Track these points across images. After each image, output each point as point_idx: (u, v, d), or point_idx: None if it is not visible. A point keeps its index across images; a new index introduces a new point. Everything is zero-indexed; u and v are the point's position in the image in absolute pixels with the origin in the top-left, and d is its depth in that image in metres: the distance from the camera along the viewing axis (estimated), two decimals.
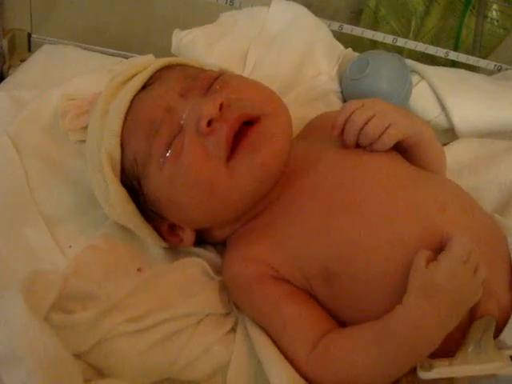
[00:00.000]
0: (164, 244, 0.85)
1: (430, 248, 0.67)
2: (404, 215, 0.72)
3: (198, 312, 0.76)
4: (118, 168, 0.79)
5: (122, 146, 0.78)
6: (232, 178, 0.73)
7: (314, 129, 0.92)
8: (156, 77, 0.82)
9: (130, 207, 0.80)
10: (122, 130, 0.78)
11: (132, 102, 0.79)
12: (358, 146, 0.81)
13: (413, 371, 0.68)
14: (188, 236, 0.82)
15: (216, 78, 0.79)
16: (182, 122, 0.75)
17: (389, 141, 0.79)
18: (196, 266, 0.80)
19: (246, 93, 0.78)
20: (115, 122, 0.78)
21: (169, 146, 0.74)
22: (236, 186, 0.74)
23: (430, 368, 0.67)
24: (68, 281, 0.69)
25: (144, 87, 0.80)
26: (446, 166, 0.91)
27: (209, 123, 0.73)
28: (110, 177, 0.78)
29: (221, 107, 0.73)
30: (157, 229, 0.83)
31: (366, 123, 0.78)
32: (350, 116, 0.79)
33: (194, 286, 0.78)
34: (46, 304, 0.65)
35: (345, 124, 0.80)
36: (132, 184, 0.79)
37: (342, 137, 0.81)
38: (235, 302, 0.79)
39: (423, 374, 0.67)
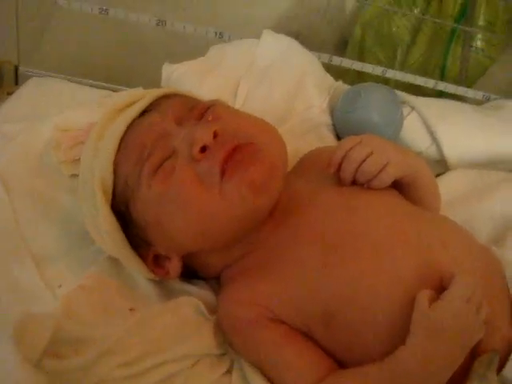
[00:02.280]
0: (152, 276, 0.83)
1: (432, 286, 0.66)
2: (404, 254, 0.71)
3: (193, 354, 0.74)
4: (110, 193, 0.78)
5: (114, 170, 0.78)
6: (222, 198, 0.72)
7: (308, 165, 0.91)
8: (154, 104, 0.82)
9: (119, 235, 0.78)
10: (116, 154, 0.78)
11: (129, 127, 0.79)
12: (354, 182, 0.80)
13: None
14: (174, 266, 0.80)
15: (208, 108, 0.79)
16: (174, 146, 0.75)
17: (387, 179, 0.78)
18: (190, 305, 0.78)
19: (240, 123, 0.78)
20: (110, 146, 0.78)
21: (159, 167, 0.74)
22: (225, 207, 0.73)
23: None
24: (60, 324, 0.67)
25: (142, 114, 0.80)
26: (440, 202, 0.90)
27: (202, 150, 0.72)
28: (101, 201, 0.77)
29: (215, 136, 0.73)
30: (143, 259, 0.81)
31: (364, 161, 0.77)
32: (347, 153, 0.78)
33: (188, 327, 0.76)
34: (38, 350, 0.63)
35: (341, 161, 0.79)
36: (121, 210, 0.78)
37: (337, 174, 0.80)
38: (230, 344, 0.77)
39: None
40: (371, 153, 0.77)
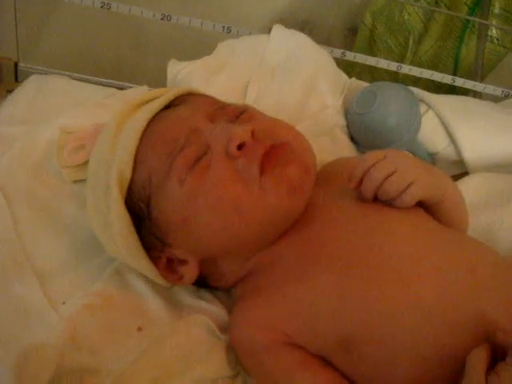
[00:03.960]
0: (162, 281, 0.79)
1: (463, 319, 0.63)
2: (431, 280, 0.66)
3: (205, 378, 0.71)
4: (126, 188, 0.74)
5: (134, 164, 0.74)
6: (262, 193, 0.70)
7: (329, 176, 0.86)
8: (181, 99, 0.79)
9: (132, 234, 0.74)
10: (138, 147, 0.74)
11: (152, 120, 0.75)
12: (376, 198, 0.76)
13: None
14: (190, 270, 0.76)
15: (244, 110, 0.77)
16: (209, 142, 0.72)
17: (410, 200, 0.73)
18: (201, 325, 0.75)
19: (274, 126, 0.76)
20: (131, 139, 0.74)
21: (193, 164, 0.71)
22: (263, 201, 0.70)
23: None
24: (64, 355, 0.63)
25: (167, 108, 0.77)
26: (468, 222, 0.85)
27: (239, 147, 0.70)
28: (116, 197, 0.72)
29: (252, 135, 0.71)
30: (154, 263, 0.77)
31: (386, 179, 0.73)
32: (369, 169, 0.74)
33: (199, 349, 0.73)
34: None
35: (363, 177, 0.74)
36: (137, 208, 0.74)
37: (358, 190, 0.76)
38: (243, 366, 0.74)
39: None
40: (394, 171, 0.73)
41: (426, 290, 0.66)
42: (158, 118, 0.76)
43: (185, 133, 0.73)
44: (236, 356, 0.74)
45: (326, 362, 0.70)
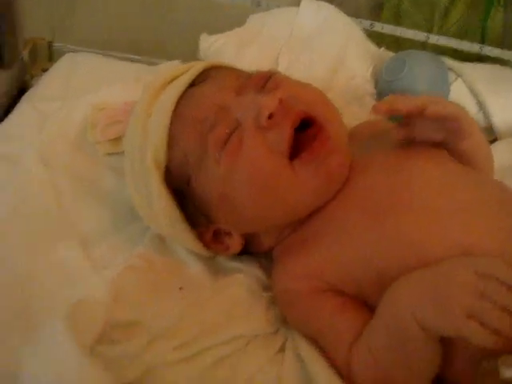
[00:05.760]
0: (208, 253, 0.81)
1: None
2: (460, 217, 0.67)
3: (246, 334, 0.73)
4: (163, 170, 0.76)
5: (169, 145, 0.75)
6: (296, 177, 0.71)
7: (359, 135, 0.87)
8: (205, 75, 0.79)
9: (175, 212, 0.76)
10: (170, 129, 0.75)
11: (180, 100, 0.76)
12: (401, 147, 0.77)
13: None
14: (235, 242, 0.79)
15: (270, 77, 0.76)
16: (238, 117, 0.72)
17: (443, 108, 0.73)
18: (240, 284, 0.77)
19: (301, 92, 0.76)
20: (162, 122, 0.75)
21: (226, 140, 0.71)
22: (298, 186, 0.71)
23: None
24: (110, 310, 0.66)
25: (192, 85, 0.78)
26: (493, 169, 0.85)
27: (269, 117, 0.70)
28: (156, 180, 0.74)
29: (280, 103, 0.71)
30: (200, 236, 0.79)
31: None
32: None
33: (240, 307, 0.75)
34: (91, 337, 0.63)
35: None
36: (178, 187, 0.76)
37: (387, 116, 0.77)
38: (286, 316, 0.76)
39: (506, 372, 0.55)
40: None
41: (455, 227, 0.66)
42: (185, 98, 0.76)
43: (213, 111, 0.73)
44: (279, 310, 0.76)
45: (365, 304, 0.71)
